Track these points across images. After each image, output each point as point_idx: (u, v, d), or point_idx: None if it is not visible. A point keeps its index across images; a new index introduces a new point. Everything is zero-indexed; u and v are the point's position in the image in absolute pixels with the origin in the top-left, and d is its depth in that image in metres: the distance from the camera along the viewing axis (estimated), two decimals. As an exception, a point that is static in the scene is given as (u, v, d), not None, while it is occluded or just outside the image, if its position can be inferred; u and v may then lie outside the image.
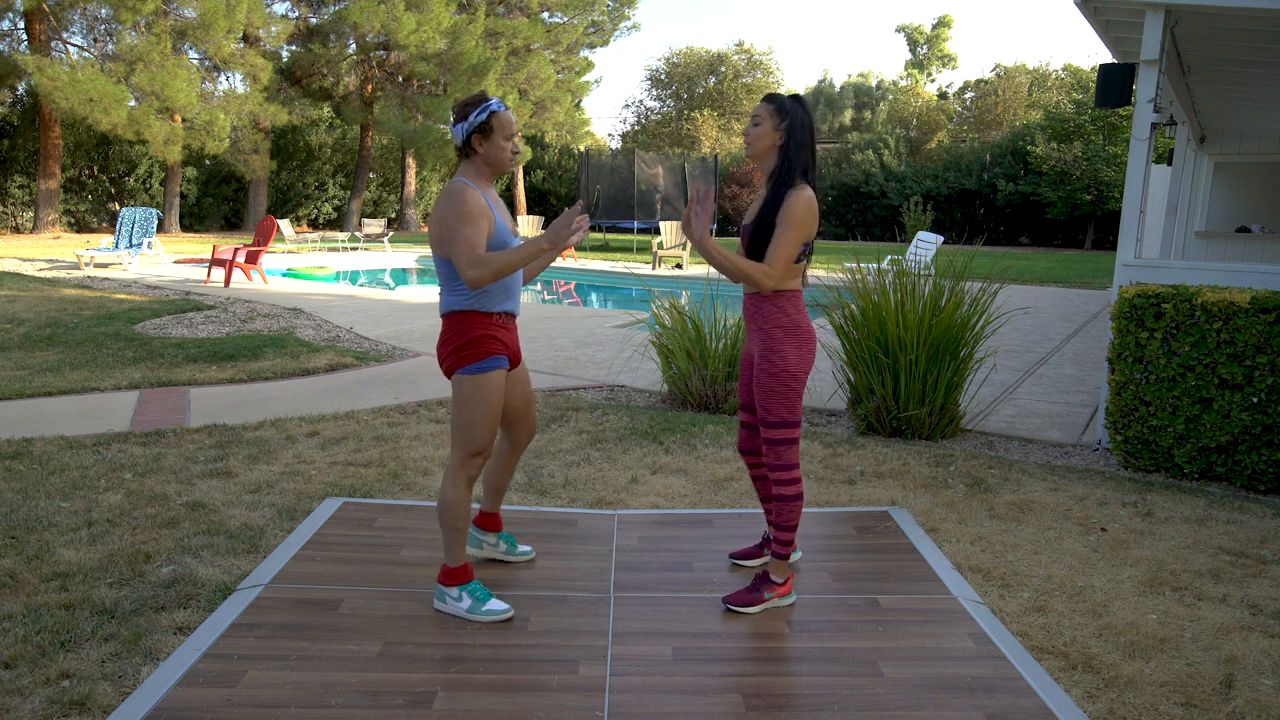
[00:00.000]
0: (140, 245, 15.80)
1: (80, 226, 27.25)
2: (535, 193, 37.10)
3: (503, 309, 2.86)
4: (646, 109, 42.95)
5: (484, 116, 2.77)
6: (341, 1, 27.92)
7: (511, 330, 2.93)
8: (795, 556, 3.38)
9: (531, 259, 2.70)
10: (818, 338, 7.67)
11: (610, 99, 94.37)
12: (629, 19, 33.44)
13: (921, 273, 5.64)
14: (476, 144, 2.79)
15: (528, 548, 3.39)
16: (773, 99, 2.85)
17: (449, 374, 2.82)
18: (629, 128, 43.49)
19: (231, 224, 31.01)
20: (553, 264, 14.22)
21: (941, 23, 53.06)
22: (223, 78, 27.36)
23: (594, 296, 15.00)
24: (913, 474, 4.87)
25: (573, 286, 16.46)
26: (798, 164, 2.82)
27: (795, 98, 2.86)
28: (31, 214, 25.95)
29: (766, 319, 2.86)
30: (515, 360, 3.00)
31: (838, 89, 51.04)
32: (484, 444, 2.81)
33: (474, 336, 2.79)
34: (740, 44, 42.47)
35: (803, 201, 2.77)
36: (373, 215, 35.22)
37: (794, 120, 2.83)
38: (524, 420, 3.12)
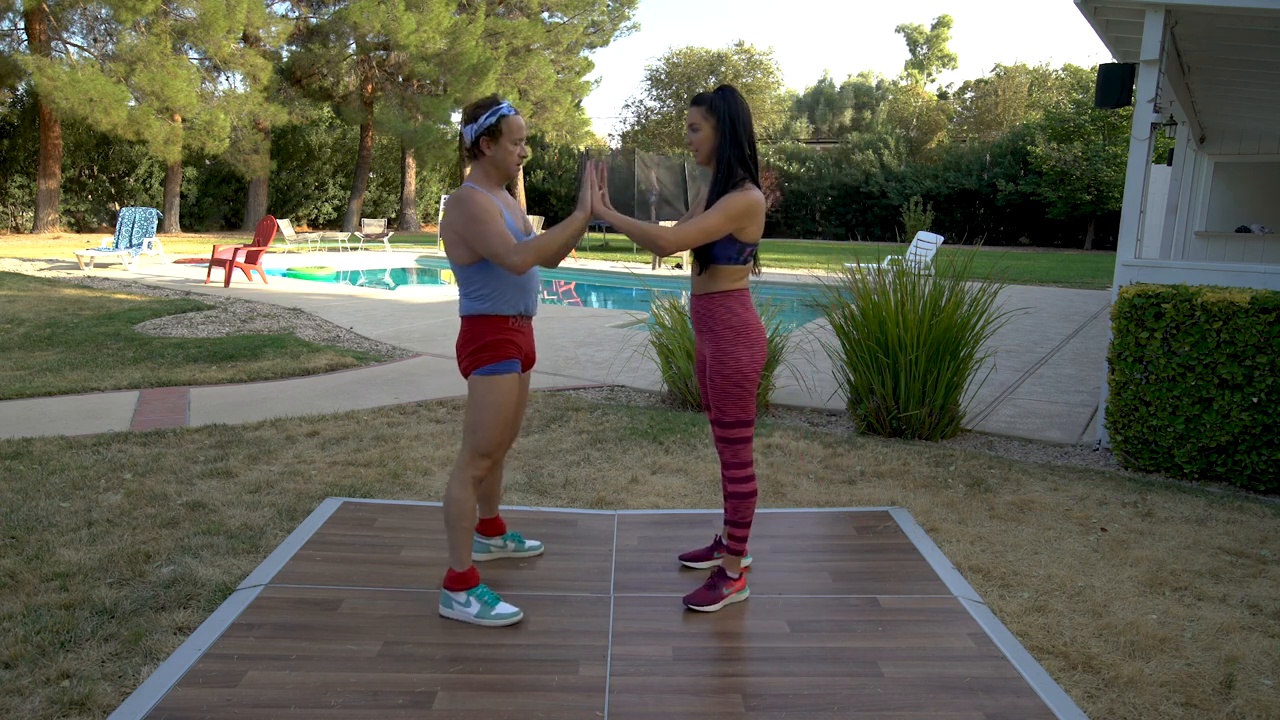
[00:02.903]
0: (140, 245, 15.80)
1: (80, 226, 27.25)
2: (535, 193, 37.10)
3: (518, 310, 2.87)
4: (646, 109, 42.91)
5: (493, 120, 2.78)
6: (341, 1, 27.92)
7: (527, 332, 2.95)
8: (745, 561, 3.31)
9: (573, 235, 2.75)
10: (818, 338, 7.70)
11: (610, 99, 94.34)
12: (629, 19, 33.43)
13: (921, 273, 5.64)
14: (484, 146, 2.81)
15: (536, 542, 3.41)
16: (701, 99, 2.79)
17: (465, 375, 2.85)
18: (629, 128, 43.46)
19: (231, 224, 31.00)
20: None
21: (941, 23, 53.06)
22: (223, 78, 27.38)
23: (594, 296, 15.00)
24: (913, 474, 4.87)
25: (573, 286, 16.46)
26: (736, 160, 2.77)
27: (724, 90, 2.79)
28: (31, 214, 25.95)
29: (715, 319, 2.84)
30: (528, 363, 3.02)
31: (838, 89, 51.02)
32: (491, 444, 2.83)
33: (489, 340, 2.82)
34: (740, 44, 42.38)
35: (744, 200, 2.74)
36: (373, 215, 35.22)
37: (721, 115, 2.77)
38: (514, 423, 3.12)
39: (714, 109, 2.78)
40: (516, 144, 2.82)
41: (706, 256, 2.83)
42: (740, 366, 2.82)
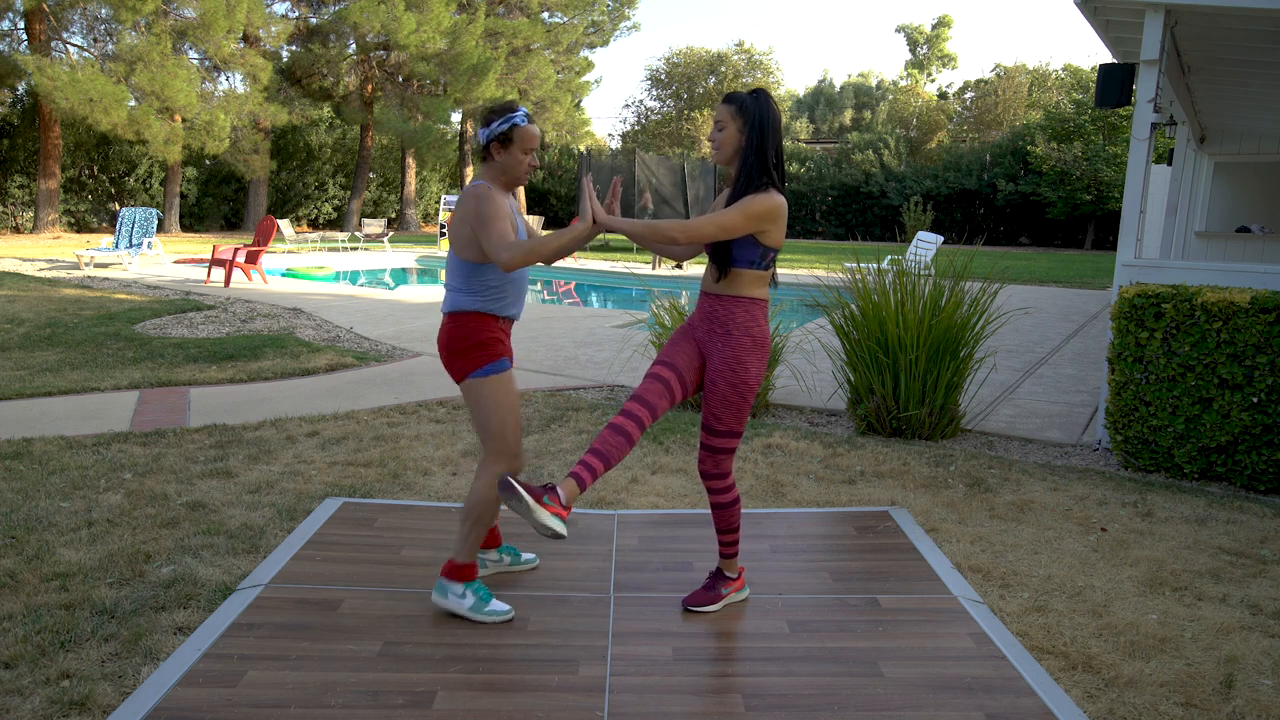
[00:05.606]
0: (140, 245, 15.80)
1: (80, 226, 27.25)
2: (535, 193, 37.10)
3: (510, 313, 2.91)
4: (646, 109, 42.93)
5: (505, 128, 2.80)
6: (341, 1, 27.92)
7: (509, 335, 2.99)
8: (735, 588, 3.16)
9: (570, 242, 2.75)
10: (818, 338, 7.73)
11: (610, 99, 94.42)
12: (629, 19, 33.45)
13: (921, 273, 5.64)
14: (495, 152, 2.83)
15: (531, 555, 3.39)
16: (732, 99, 2.72)
17: (460, 378, 2.84)
18: (629, 128, 43.48)
19: (231, 224, 31.00)
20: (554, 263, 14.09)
21: (941, 23, 53.09)
22: (223, 78, 27.37)
23: (594, 296, 15.00)
24: (913, 474, 4.87)
25: (573, 286, 16.46)
26: (758, 165, 2.69)
27: (757, 93, 2.71)
28: (31, 214, 25.95)
29: (737, 324, 2.76)
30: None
31: (838, 89, 51.07)
32: (515, 442, 2.88)
33: (483, 339, 2.83)
34: (740, 44, 42.45)
35: (766, 202, 2.66)
36: (373, 215, 35.22)
37: (752, 119, 2.69)
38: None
39: (744, 110, 2.70)
40: (527, 153, 2.84)
41: (726, 259, 2.74)
42: (749, 378, 2.78)
